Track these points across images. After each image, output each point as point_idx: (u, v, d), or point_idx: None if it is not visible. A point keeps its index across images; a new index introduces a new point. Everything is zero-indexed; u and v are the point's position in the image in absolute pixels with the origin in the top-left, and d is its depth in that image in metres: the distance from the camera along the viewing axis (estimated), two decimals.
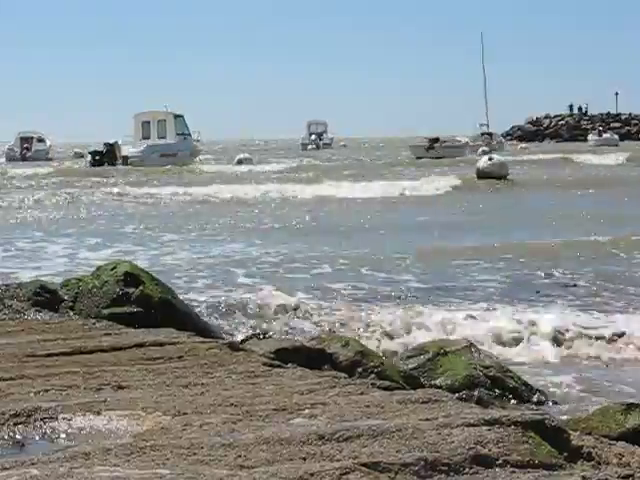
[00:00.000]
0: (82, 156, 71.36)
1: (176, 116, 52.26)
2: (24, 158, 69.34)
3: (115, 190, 33.69)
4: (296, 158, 65.14)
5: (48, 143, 76.52)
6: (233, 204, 28.43)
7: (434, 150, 62.88)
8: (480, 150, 67.34)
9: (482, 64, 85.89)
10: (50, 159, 69.29)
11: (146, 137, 51.93)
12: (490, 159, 38.24)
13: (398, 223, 21.91)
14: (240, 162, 55.98)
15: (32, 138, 73.70)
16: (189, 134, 53.01)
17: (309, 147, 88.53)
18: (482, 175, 35.99)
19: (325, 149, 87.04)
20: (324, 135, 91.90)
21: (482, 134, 77.76)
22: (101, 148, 52.39)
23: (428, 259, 14.61)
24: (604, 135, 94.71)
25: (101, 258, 13.92)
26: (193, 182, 38.06)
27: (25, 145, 72.41)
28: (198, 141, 54.98)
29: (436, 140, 65.10)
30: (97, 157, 51.77)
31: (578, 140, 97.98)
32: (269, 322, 9.68)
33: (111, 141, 51.92)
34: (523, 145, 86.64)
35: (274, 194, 31.87)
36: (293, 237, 18.47)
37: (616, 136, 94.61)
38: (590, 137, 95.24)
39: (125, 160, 50.35)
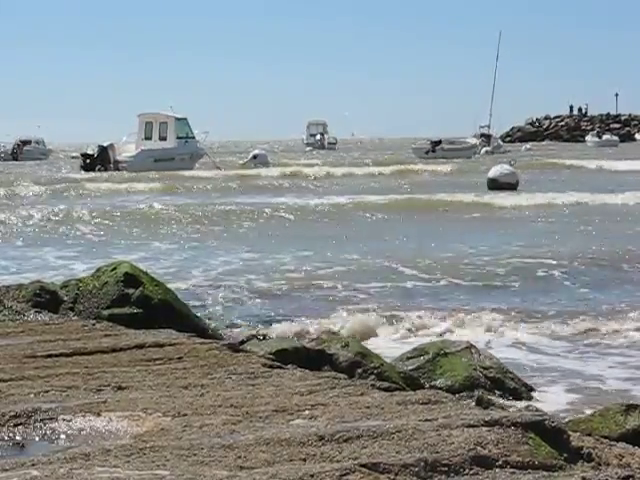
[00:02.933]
0: None
1: (178, 119, 51.98)
2: (15, 158, 69.37)
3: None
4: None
5: (48, 147, 76.86)
6: None
7: (435, 153, 62.81)
8: (483, 150, 67.34)
9: (495, 63, 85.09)
10: (39, 159, 69.26)
11: (148, 138, 51.59)
12: (512, 164, 37.60)
13: None
14: (255, 157, 55.82)
15: (30, 142, 73.92)
16: (192, 137, 52.61)
17: (307, 148, 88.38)
18: (494, 186, 34.48)
19: (330, 149, 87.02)
20: (325, 135, 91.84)
21: (481, 135, 77.31)
22: (92, 151, 51.31)
23: None
24: (604, 137, 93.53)
25: None
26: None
27: (17, 144, 72.51)
28: (201, 143, 54.20)
29: (438, 143, 64.99)
30: (88, 160, 50.93)
31: (578, 141, 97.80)
32: None
33: (105, 143, 50.92)
34: (528, 146, 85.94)
35: None
36: None
37: (616, 137, 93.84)
38: (588, 138, 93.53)
39: (117, 165, 49.58)
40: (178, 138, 51.51)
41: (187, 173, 45.65)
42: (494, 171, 35.20)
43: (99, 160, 49.93)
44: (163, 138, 51.59)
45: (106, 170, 48.92)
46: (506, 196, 28.89)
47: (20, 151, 71.80)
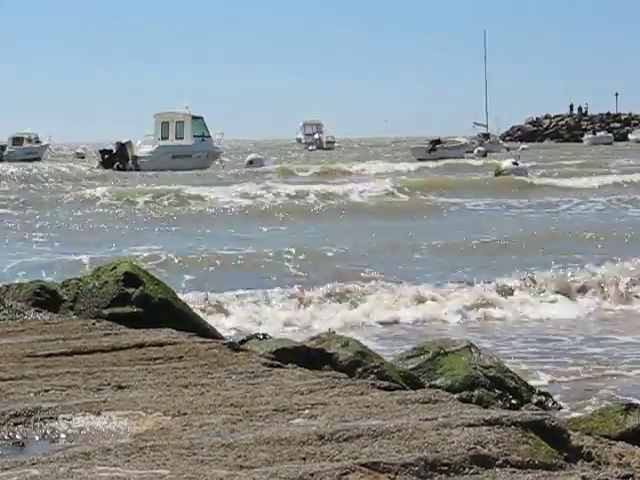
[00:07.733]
0: (83, 157, 71.13)
1: (194, 117, 52.12)
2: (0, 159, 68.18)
3: None
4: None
5: (44, 143, 74.68)
6: None
7: (435, 152, 62.96)
8: (476, 150, 67.61)
9: (484, 62, 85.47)
10: (33, 159, 67.43)
11: (165, 137, 51.80)
12: (515, 163, 39.18)
13: None
14: (251, 162, 55.74)
15: (23, 139, 72.46)
16: (208, 136, 52.66)
17: (309, 147, 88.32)
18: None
19: (329, 149, 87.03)
20: (320, 135, 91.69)
21: (479, 134, 77.41)
22: (111, 147, 51.91)
23: None
24: (598, 134, 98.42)
25: None
26: None
27: (1, 145, 71.40)
28: (218, 143, 54.12)
29: (438, 141, 65.26)
30: (107, 156, 51.34)
31: (578, 140, 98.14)
32: None
33: (123, 140, 51.27)
34: (525, 146, 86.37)
35: None
36: None
37: (610, 134, 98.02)
38: (585, 137, 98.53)
39: (135, 161, 49.91)
40: (195, 137, 51.65)
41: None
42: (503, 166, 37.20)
43: (118, 157, 50.36)
44: (180, 137, 51.74)
45: (124, 167, 49.23)
46: None
47: (3, 152, 69.31)
